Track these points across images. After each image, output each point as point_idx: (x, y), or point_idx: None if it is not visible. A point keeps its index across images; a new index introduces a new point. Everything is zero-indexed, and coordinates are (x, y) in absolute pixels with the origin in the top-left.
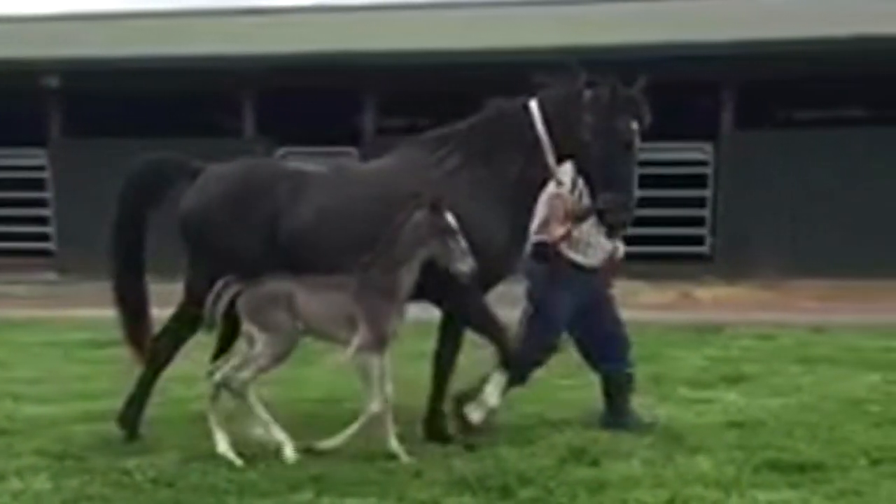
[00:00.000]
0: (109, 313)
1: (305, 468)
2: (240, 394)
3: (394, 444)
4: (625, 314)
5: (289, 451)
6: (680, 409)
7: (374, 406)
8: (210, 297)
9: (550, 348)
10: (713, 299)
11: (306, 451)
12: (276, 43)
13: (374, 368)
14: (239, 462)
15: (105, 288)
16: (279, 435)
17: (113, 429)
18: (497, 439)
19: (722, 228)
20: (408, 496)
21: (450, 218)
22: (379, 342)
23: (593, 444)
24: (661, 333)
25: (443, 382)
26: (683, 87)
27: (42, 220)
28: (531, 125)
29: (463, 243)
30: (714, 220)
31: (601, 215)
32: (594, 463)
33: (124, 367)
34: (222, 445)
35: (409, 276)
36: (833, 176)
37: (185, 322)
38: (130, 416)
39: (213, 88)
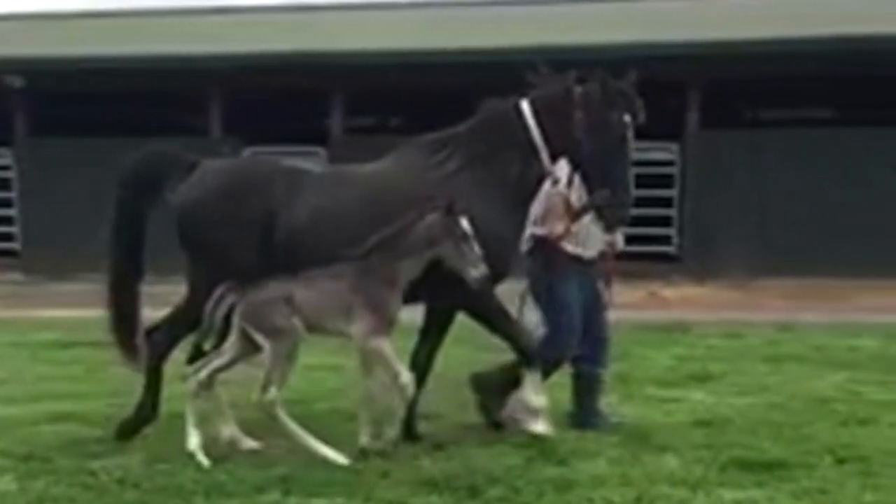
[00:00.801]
0: (75, 314)
1: (272, 469)
2: (271, 416)
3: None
4: None
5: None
6: (647, 408)
7: (404, 378)
8: (209, 305)
9: (573, 334)
10: (681, 298)
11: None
12: (242, 42)
13: (386, 349)
14: (206, 463)
15: (71, 288)
16: (323, 449)
17: (78, 429)
18: (465, 439)
19: (689, 228)
20: (375, 496)
21: (464, 223)
22: (383, 326)
23: (560, 444)
24: (628, 333)
25: (418, 383)
26: (649, 86)
27: (7, 220)
28: (524, 125)
29: (476, 249)
30: (681, 220)
31: (598, 211)
32: (561, 462)
33: (90, 367)
34: (193, 442)
35: (408, 272)
36: (799, 176)
37: (183, 321)
38: (139, 420)
39: (179, 87)
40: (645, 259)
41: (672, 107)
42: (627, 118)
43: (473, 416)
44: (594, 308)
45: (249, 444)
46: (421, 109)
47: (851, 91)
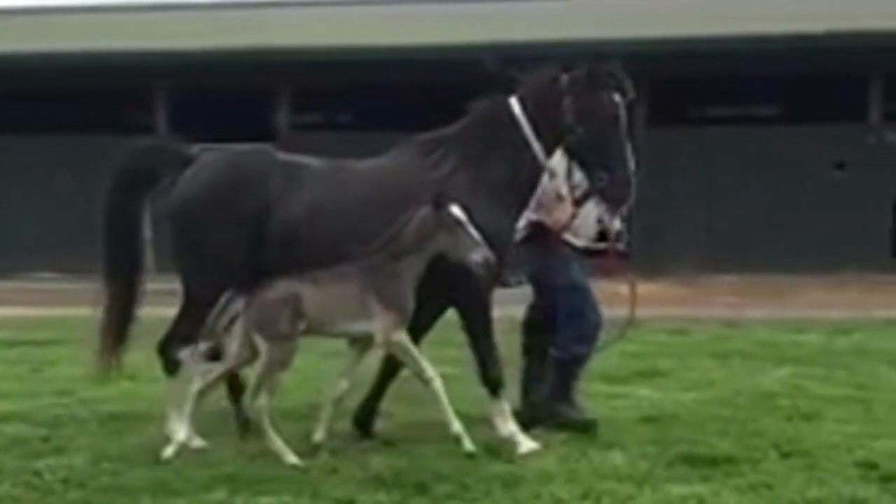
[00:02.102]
0: (21, 312)
1: (219, 467)
2: (259, 425)
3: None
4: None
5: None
6: (595, 404)
7: (430, 373)
8: (214, 311)
9: (594, 312)
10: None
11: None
12: (187, 39)
13: (408, 344)
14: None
15: (16, 286)
16: (291, 458)
17: (23, 429)
18: (413, 436)
19: (637, 225)
20: (322, 493)
21: (456, 210)
22: (401, 321)
23: (505, 444)
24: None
25: (386, 382)
26: None
27: None
28: (515, 123)
29: (474, 233)
30: (629, 217)
31: (601, 194)
32: (509, 459)
33: (35, 366)
34: (182, 435)
35: (412, 270)
36: (745, 173)
37: (190, 323)
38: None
39: (124, 85)
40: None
41: None
42: (618, 97)
43: (422, 414)
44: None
45: (197, 442)
46: (369, 106)
47: (796, 89)
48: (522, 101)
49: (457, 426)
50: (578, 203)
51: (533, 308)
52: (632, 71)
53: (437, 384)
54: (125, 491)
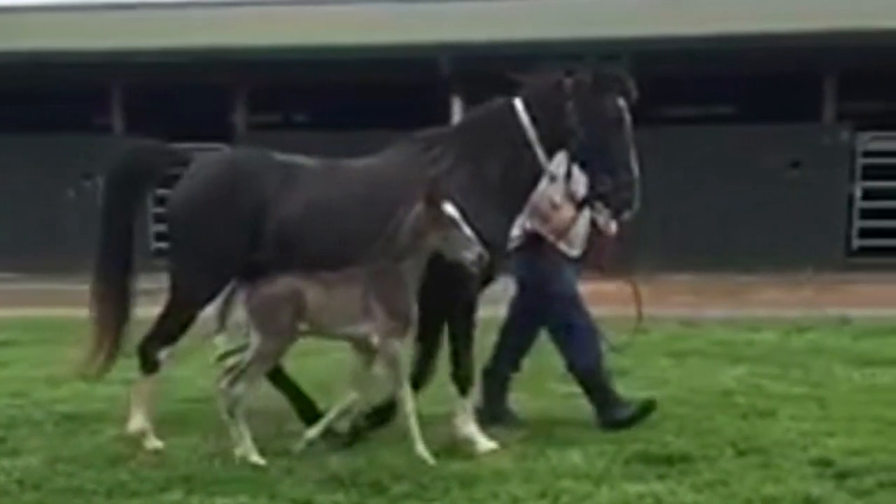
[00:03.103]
0: None
1: (175, 468)
2: (231, 412)
3: (470, 430)
4: (501, 311)
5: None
6: (553, 403)
7: (404, 391)
8: (221, 302)
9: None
10: (586, 294)
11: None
12: (144, 37)
13: (400, 355)
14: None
15: None
16: (259, 459)
17: None
18: (370, 435)
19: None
20: (279, 493)
21: (449, 208)
22: (402, 328)
23: (464, 444)
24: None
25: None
26: None
27: None
28: (518, 124)
29: (467, 231)
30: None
31: (604, 198)
32: (467, 458)
33: None
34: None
35: (413, 271)
36: (702, 172)
37: (175, 323)
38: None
39: (81, 84)
40: None
41: None
42: (622, 102)
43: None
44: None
45: (154, 443)
46: (326, 106)
47: (752, 89)
48: (526, 103)
49: (420, 447)
50: (580, 207)
51: (514, 308)
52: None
53: (409, 409)
54: (80, 492)
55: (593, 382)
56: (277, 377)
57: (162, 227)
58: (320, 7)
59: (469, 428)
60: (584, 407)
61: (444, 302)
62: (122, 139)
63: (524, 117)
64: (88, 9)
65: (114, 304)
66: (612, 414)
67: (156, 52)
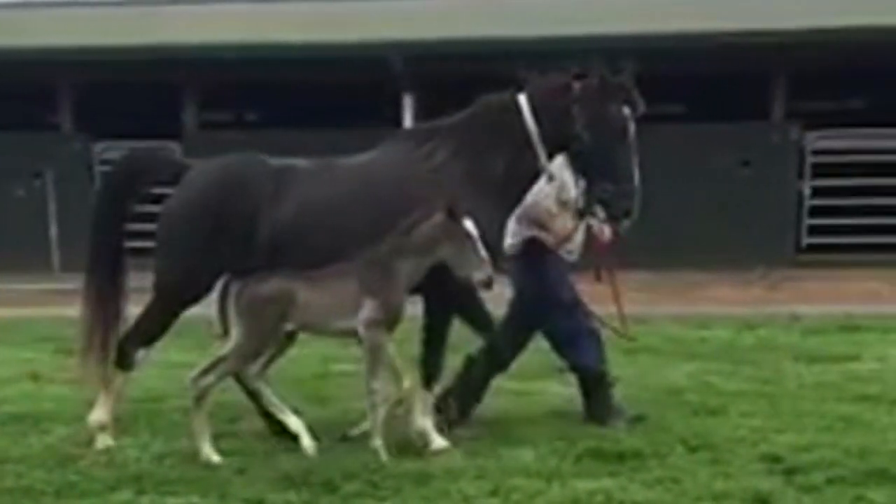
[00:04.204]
0: None
1: (125, 467)
2: (197, 401)
3: (426, 425)
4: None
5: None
6: (506, 400)
7: (376, 384)
8: (218, 298)
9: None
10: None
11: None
12: (93, 35)
13: (383, 346)
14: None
15: None
16: (213, 457)
17: None
18: (322, 434)
19: None
20: (230, 493)
21: (468, 224)
22: (388, 320)
23: (418, 438)
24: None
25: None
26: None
27: None
28: (521, 120)
29: (481, 251)
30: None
31: (605, 205)
32: (419, 456)
33: None
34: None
35: (409, 273)
36: (653, 171)
37: (156, 325)
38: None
39: (29, 82)
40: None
41: None
42: (627, 110)
43: (331, 412)
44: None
45: (106, 440)
46: (278, 104)
47: (702, 88)
48: (531, 100)
49: (378, 440)
50: (581, 214)
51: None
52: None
53: (377, 400)
54: (29, 492)
55: (595, 383)
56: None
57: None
58: (271, 5)
59: (425, 422)
60: (536, 404)
61: (449, 298)
62: (72, 138)
63: (528, 113)
64: (37, 6)
65: (103, 307)
66: (604, 419)
67: (105, 49)
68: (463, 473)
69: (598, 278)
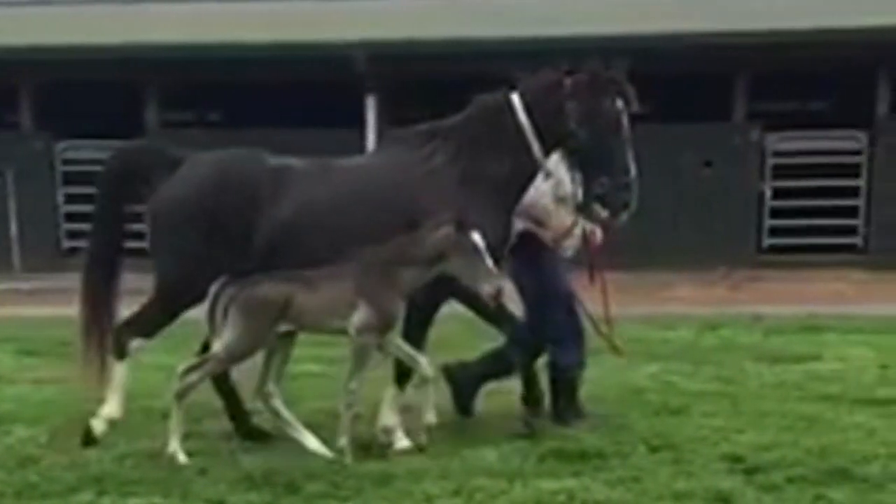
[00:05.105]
0: None
1: (86, 468)
2: (179, 396)
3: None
4: None
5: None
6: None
7: (353, 385)
8: (210, 299)
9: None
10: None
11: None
12: (53, 34)
13: (369, 352)
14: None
15: None
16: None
17: None
18: (284, 434)
19: None
20: (192, 494)
21: (476, 237)
22: (382, 325)
23: (383, 434)
24: (454, 325)
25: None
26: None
27: None
28: (515, 119)
29: (489, 263)
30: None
31: (602, 199)
32: (381, 456)
33: None
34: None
35: (411, 280)
36: None
37: (155, 319)
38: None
39: None
40: None
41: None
42: (620, 103)
43: (293, 412)
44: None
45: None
46: (241, 104)
47: (665, 88)
48: (524, 99)
49: (344, 440)
50: (580, 210)
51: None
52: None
53: (353, 400)
54: None
55: (566, 384)
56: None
57: (72, 227)
58: (233, 4)
59: (392, 419)
60: (500, 404)
61: (432, 298)
62: (33, 137)
63: (522, 113)
64: None
65: (101, 307)
66: (568, 420)
67: (65, 48)
68: (426, 474)
69: (591, 279)
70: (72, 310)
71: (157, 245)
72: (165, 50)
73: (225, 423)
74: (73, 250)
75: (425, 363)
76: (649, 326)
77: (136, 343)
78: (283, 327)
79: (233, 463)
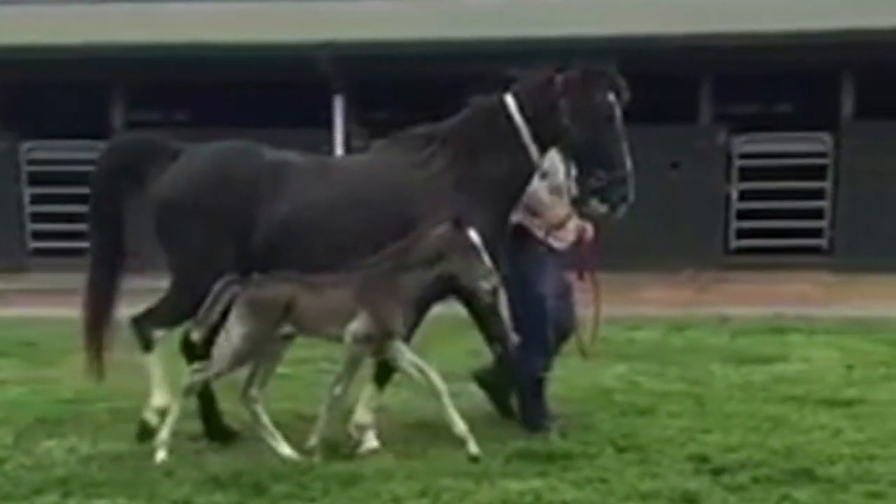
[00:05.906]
0: None
1: (51, 470)
2: (186, 391)
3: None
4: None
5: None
6: (435, 402)
7: (339, 390)
8: (208, 299)
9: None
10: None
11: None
12: (18, 34)
13: (359, 361)
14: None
15: None
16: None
17: None
18: (251, 435)
19: None
20: (159, 495)
21: (473, 235)
22: (380, 335)
23: (347, 439)
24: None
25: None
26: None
27: None
28: (510, 121)
29: (487, 261)
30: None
31: (599, 194)
32: (348, 457)
33: None
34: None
35: (413, 286)
36: None
37: (174, 309)
38: None
39: None
40: None
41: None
42: (612, 97)
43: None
44: (563, 297)
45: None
46: (207, 104)
47: (631, 89)
48: (518, 99)
49: (315, 440)
50: (575, 203)
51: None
52: (464, 71)
53: (335, 405)
54: None
55: (529, 385)
56: None
57: (38, 227)
58: (201, 4)
59: (367, 418)
60: (467, 405)
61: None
62: None
63: (517, 114)
64: None
65: (102, 306)
66: (536, 423)
67: (31, 48)
68: (393, 474)
69: (581, 277)
70: (37, 311)
71: (168, 236)
72: (132, 50)
73: (194, 425)
74: (39, 251)
75: (436, 377)
76: (616, 327)
77: (158, 334)
78: (286, 329)
79: (199, 464)
